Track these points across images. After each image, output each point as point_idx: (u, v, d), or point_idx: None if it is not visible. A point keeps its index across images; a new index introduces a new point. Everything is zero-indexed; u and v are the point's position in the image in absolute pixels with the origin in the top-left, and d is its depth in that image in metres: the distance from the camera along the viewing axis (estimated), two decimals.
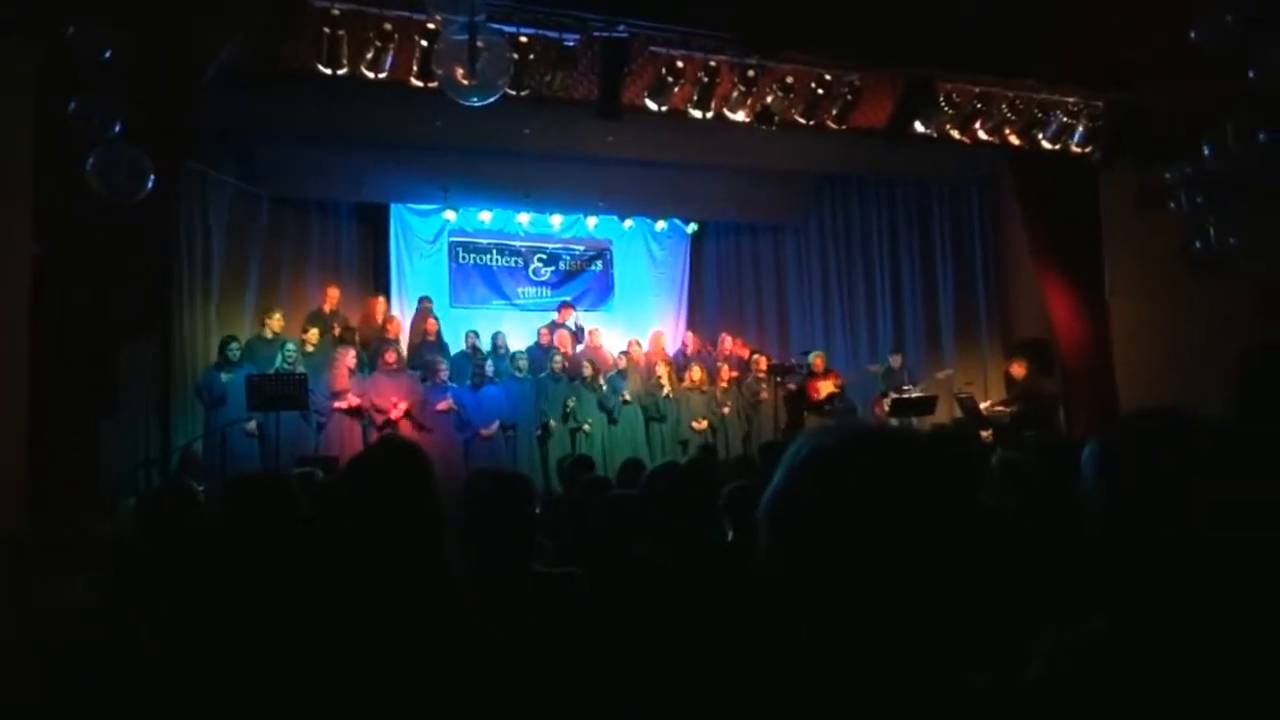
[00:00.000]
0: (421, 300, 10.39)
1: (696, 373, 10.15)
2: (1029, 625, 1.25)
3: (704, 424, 9.93)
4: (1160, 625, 1.13)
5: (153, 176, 5.90)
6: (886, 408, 10.06)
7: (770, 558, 0.92)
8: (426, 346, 9.76)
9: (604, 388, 9.65)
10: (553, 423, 9.35)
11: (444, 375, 9.00)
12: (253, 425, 8.00)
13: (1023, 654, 1.19)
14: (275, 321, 8.91)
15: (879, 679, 0.86)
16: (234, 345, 8.30)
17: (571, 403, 9.37)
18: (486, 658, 1.90)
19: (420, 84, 7.22)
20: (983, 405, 10.14)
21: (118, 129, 5.85)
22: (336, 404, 8.48)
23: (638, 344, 10.67)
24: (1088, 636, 1.18)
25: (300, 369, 8.23)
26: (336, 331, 9.32)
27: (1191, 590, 1.12)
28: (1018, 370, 10.00)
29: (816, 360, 10.41)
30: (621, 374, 9.93)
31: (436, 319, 10.12)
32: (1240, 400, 2.03)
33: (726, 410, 10.15)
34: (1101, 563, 1.22)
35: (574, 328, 10.66)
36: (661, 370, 10.03)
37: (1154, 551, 1.15)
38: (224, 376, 8.11)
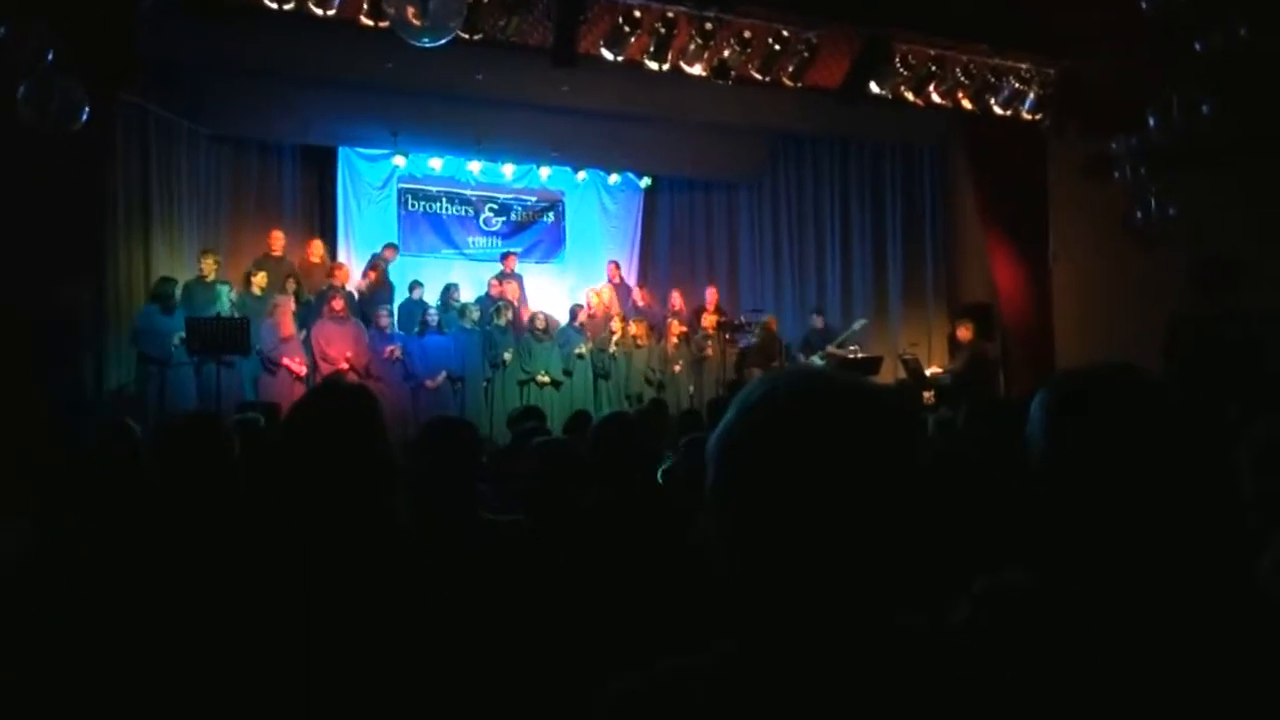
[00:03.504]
0: (384, 248, 10.13)
1: (634, 328, 10.12)
2: (962, 573, 1.29)
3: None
4: (1079, 576, 1.17)
5: (86, 108, 5.66)
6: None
7: (714, 496, 0.92)
8: (372, 293, 9.61)
9: (553, 340, 9.61)
10: (506, 356, 9.26)
11: (386, 323, 8.89)
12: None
13: (952, 600, 1.23)
14: (209, 265, 8.60)
15: (814, 618, 0.89)
16: (170, 286, 8.06)
17: (508, 355, 9.30)
18: (435, 605, 1.90)
19: (370, 23, 7.02)
20: (930, 370, 10.33)
21: (50, 58, 5.59)
22: (285, 359, 8.28)
23: (597, 294, 10.62)
24: (1007, 585, 1.22)
25: (241, 313, 8.04)
26: (284, 277, 9.07)
27: (1122, 541, 1.15)
28: (963, 334, 10.17)
29: (770, 323, 10.47)
30: (578, 329, 9.88)
31: (384, 264, 9.94)
32: (1166, 362, 2.10)
33: (678, 368, 10.18)
34: (1038, 513, 1.25)
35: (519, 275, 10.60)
36: (615, 326, 9.99)
37: (1091, 503, 1.17)
38: (160, 317, 7.90)
